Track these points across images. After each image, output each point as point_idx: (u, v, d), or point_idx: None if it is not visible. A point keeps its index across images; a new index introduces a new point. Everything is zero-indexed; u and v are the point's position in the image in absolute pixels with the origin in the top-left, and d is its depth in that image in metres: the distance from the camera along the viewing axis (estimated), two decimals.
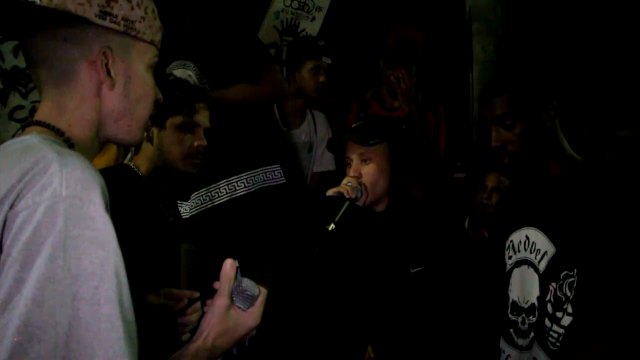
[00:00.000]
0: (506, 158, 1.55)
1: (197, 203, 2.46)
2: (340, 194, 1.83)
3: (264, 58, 2.49)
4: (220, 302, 1.01)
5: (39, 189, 0.78)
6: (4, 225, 0.77)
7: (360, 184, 1.88)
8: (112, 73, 0.97)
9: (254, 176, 2.47)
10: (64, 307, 0.74)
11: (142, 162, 1.80)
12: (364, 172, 1.90)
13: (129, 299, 0.80)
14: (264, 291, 1.05)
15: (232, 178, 2.43)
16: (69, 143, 0.94)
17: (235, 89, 2.38)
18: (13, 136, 3.50)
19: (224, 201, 2.43)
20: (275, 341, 2.15)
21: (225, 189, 2.44)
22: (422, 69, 2.92)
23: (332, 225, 1.79)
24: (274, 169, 2.53)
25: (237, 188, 2.44)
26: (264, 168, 2.49)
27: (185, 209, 2.49)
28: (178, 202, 2.48)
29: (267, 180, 2.50)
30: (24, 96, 3.44)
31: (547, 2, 4.43)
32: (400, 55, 2.82)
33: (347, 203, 1.82)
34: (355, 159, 1.92)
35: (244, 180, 2.45)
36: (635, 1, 4.06)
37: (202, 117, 1.85)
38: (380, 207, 1.95)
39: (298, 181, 2.76)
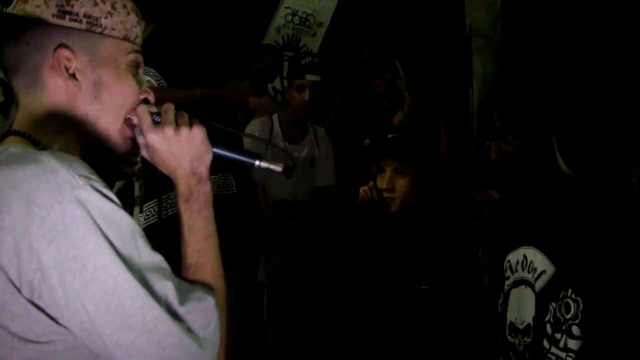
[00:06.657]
0: (506, 172, 1.53)
1: (148, 215, 2.36)
2: None
3: (228, 68, 2.47)
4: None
5: (57, 193, 0.78)
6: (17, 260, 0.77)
7: None
8: (77, 75, 0.92)
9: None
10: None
11: None
12: (398, 185, 1.98)
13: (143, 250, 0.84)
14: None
15: None
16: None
17: (187, 90, 2.29)
18: None
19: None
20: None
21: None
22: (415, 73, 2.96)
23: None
24: (227, 178, 2.45)
25: None
26: (220, 175, 2.40)
27: (140, 221, 2.38)
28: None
29: (221, 188, 2.41)
30: None
31: (546, 18, 4.45)
32: (377, 60, 2.86)
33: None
34: (389, 170, 2.00)
35: None
36: (635, 20, 4.08)
37: None
38: (404, 216, 2.02)
39: (248, 196, 2.68)
